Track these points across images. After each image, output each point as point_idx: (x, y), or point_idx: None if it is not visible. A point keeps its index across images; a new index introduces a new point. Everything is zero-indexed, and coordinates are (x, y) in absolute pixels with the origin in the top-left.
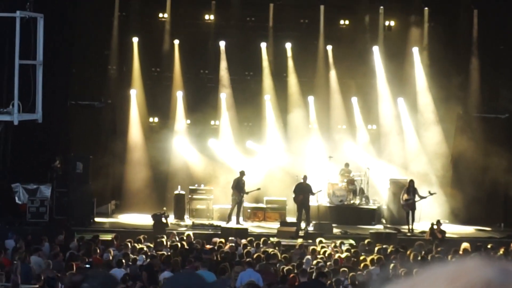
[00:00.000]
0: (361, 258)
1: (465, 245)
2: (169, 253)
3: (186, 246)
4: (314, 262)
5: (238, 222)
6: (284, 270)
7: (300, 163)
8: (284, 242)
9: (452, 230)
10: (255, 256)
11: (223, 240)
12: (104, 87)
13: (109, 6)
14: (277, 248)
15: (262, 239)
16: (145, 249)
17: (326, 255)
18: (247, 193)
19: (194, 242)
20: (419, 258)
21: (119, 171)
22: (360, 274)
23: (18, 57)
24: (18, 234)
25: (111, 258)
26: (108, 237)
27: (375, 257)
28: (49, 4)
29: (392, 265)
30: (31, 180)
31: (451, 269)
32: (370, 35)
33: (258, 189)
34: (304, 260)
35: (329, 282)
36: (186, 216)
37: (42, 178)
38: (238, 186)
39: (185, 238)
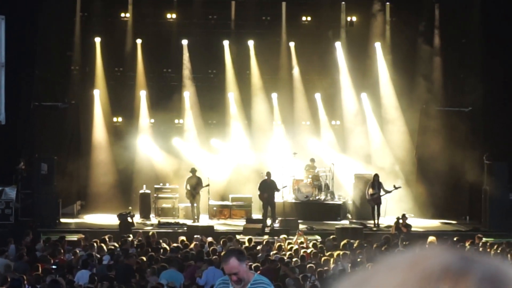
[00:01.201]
0: (328, 253)
1: (431, 238)
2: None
3: (152, 245)
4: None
5: (197, 220)
6: (252, 266)
7: (265, 160)
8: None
9: (418, 224)
10: (222, 254)
11: (185, 238)
12: (68, 88)
13: (71, 7)
14: (248, 244)
15: (227, 237)
16: (113, 248)
17: (293, 251)
18: (197, 192)
19: (160, 241)
20: (385, 252)
21: (84, 172)
22: (326, 270)
23: None
24: None
25: (75, 258)
26: (74, 237)
27: (341, 253)
28: (11, 5)
29: (358, 259)
30: None
31: (409, 256)
32: (332, 31)
33: (207, 185)
34: (272, 256)
35: (296, 277)
36: (152, 215)
37: (6, 180)
38: (194, 184)
39: (150, 236)
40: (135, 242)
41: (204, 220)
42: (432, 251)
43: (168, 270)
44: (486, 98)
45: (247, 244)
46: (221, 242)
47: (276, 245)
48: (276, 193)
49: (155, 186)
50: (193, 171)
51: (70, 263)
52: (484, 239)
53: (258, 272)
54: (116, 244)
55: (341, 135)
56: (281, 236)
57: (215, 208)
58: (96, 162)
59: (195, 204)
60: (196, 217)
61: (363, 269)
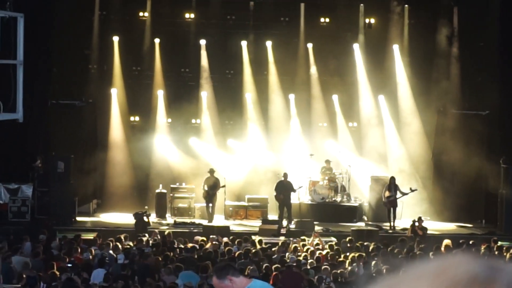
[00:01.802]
0: (343, 255)
1: (446, 241)
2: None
3: (168, 245)
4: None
5: (210, 221)
6: (269, 267)
7: (282, 161)
8: (266, 240)
9: (434, 227)
10: (236, 254)
11: (204, 238)
12: (85, 86)
13: (90, 5)
14: (259, 246)
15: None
16: (129, 247)
17: (309, 252)
18: (215, 193)
19: (174, 241)
20: (401, 255)
21: (101, 170)
22: (342, 272)
23: None
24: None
25: (91, 257)
26: (90, 236)
27: (357, 255)
28: (30, 3)
29: (374, 262)
30: (13, 180)
31: (436, 264)
32: (351, 32)
33: (223, 186)
34: (287, 258)
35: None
36: (167, 215)
37: (23, 177)
38: (212, 185)
39: (166, 236)
40: (151, 242)
41: (220, 221)
42: (459, 259)
43: (186, 271)
44: (503, 102)
45: (258, 246)
46: (236, 242)
47: (292, 246)
48: (292, 194)
49: (171, 185)
50: (212, 171)
51: (86, 261)
52: (499, 243)
53: (274, 274)
54: (131, 244)
55: (358, 137)
56: (300, 238)
57: (231, 209)
58: (113, 161)
59: (210, 204)
60: (210, 217)
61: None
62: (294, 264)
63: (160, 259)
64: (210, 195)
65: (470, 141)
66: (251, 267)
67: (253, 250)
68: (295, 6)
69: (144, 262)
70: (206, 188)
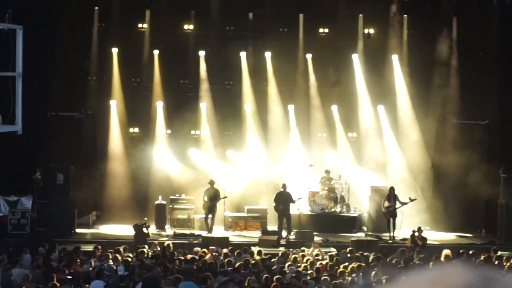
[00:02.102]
0: (343, 266)
1: (446, 251)
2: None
3: (167, 256)
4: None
5: (210, 231)
6: (268, 278)
7: (281, 171)
8: (266, 250)
9: (433, 237)
10: (236, 265)
11: (205, 250)
12: (84, 98)
13: (89, 17)
14: (258, 256)
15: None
16: (129, 260)
17: (308, 263)
18: (214, 204)
19: (175, 252)
20: (401, 265)
21: (100, 182)
22: (342, 282)
23: None
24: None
25: (91, 269)
26: (90, 248)
27: (356, 265)
28: (29, 15)
29: (373, 272)
30: (12, 192)
31: (433, 273)
32: (350, 42)
33: (225, 197)
34: (287, 268)
35: None
36: (167, 226)
37: (23, 189)
38: (212, 196)
39: (165, 247)
40: (150, 253)
41: (220, 232)
42: (455, 268)
43: (187, 282)
44: (503, 111)
45: (257, 257)
46: (236, 253)
47: (292, 257)
48: (291, 205)
49: (171, 197)
50: (212, 182)
51: (86, 273)
52: (499, 253)
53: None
54: (131, 255)
55: (357, 147)
56: (300, 249)
57: (230, 220)
58: (112, 173)
59: (210, 215)
60: (209, 228)
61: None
62: (294, 274)
63: (159, 270)
64: (210, 206)
65: (470, 151)
66: (252, 278)
67: (252, 261)
68: (294, 17)
69: (150, 274)
70: (206, 199)
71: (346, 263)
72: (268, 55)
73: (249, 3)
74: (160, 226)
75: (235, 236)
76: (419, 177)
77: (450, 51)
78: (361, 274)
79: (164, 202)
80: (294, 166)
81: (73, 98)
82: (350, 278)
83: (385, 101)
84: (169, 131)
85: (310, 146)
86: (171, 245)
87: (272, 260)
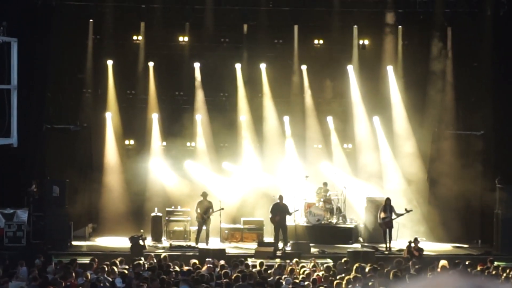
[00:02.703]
0: (339, 277)
1: (443, 262)
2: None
3: (164, 268)
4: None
5: (206, 242)
6: None
7: (277, 183)
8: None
9: (430, 247)
10: (233, 277)
11: (196, 262)
12: (80, 111)
13: (83, 30)
14: (259, 268)
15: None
16: (125, 273)
17: (305, 274)
18: (212, 214)
19: (170, 264)
20: (397, 276)
21: (96, 194)
22: None
23: None
24: None
25: (86, 280)
26: (86, 260)
27: (353, 276)
28: (23, 28)
29: (370, 283)
30: (8, 205)
31: (425, 283)
32: (345, 54)
33: (222, 209)
34: (283, 280)
35: None
36: (163, 238)
37: (18, 202)
38: (204, 208)
39: (162, 260)
40: (147, 265)
41: (216, 243)
42: (446, 278)
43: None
44: (498, 122)
45: (258, 268)
46: (232, 265)
47: (288, 268)
48: (287, 216)
49: (167, 209)
50: (204, 195)
51: (81, 286)
52: (496, 263)
53: None
54: (127, 267)
55: (353, 158)
56: (294, 261)
57: (226, 231)
58: (108, 185)
59: (204, 227)
60: (196, 239)
61: None
62: (290, 286)
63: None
64: (203, 219)
65: (465, 162)
66: None
67: (248, 273)
68: (288, 28)
69: (149, 286)
70: (199, 211)
71: (343, 275)
72: (263, 66)
73: (243, 15)
74: (156, 238)
75: (231, 248)
76: (415, 187)
77: (444, 61)
78: (357, 285)
79: (160, 214)
80: (290, 177)
81: (68, 110)
82: None
83: (381, 112)
84: (164, 143)
85: (306, 157)
86: (167, 257)
87: (269, 271)
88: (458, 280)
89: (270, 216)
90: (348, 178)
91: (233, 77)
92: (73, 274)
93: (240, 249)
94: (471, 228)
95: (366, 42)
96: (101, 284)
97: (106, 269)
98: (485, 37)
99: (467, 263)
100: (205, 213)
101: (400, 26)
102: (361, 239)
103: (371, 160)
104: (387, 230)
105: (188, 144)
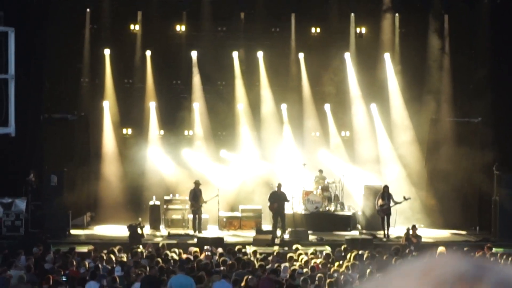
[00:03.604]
0: (337, 264)
1: (441, 249)
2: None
3: (162, 256)
4: (291, 268)
5: (198, 231)
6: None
7: (275, 171)
8: (261, 250)
9: (428, 234)
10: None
11: (198, 249)
12: (77, 100)
13: (81, 19)
14: (252, 256)
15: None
16: (124, 261)
17: (303, 262)
18: (205, 202)
19: (168, 252)
20: (395, 263)
21: (94, 183)
22: (336, 280)
23: None
24: None
25: (86, 269)
26: (84, 249)
27: (351, 263)
28: (20, 17)
29: (368, 270)
30: (6, 194)
31: (422, 264)
32: (342, 42)
33: (216, 195)
34: (282, 267)
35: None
36: (161, 226)
37: (17, 191)
38: (195, 197)
39: (160, 248)
40: (145, 254)
41: (214, 231)
42: (445, 258)
43: (177, 275)
44: (495, 109)
45: (252, 257)
46: (229, 252)
47: (288, 256)
48: (285, 204)
49: (165, 197)
50: (197, 183)
51: (81, 274)
52: (494, 249)
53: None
54: (125, 255)
55: (350, 146)
56: (293, 247)
57: (225, 219)
58: (106, 174)
59: (196, 216)
60: (193, 228)
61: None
62: (289, 273)
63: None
64: (196, 207)
65: (463, 148)
66: (249, 277)
67: (246, 260)
68: (286, 17)
69: (148, 274)
70: (191, 200)
71: (341, 262)
72: (260, 55)
73: (240, 4)
74: (155, 226)
75: (229, 236)
76: (412, 175)
77: (442, 49)
78: (355, 272)
79: (158, 203)
80: (287, 165)
81: (66, 100)
82: (343, 276)
83: (378, 99)
84: (162, 132)
85: (303, 145)
86: (165, 245)
87: (268, 258)
88: (457, 260)
89: (268, 204)
90: (346, 166)
91: (230, 66)
92: (73, 263)
93: (239, 237)
94: (469, 214)
95: (363, 30)
96: (101, 273)
97: (105, 257)
98: (482, 24)
99: (465, 249)
100: (196, 201)
101: (397, 14)
102: (359, 227)
103: (368, 148)
104: (385, 217)
105: (185, 132)
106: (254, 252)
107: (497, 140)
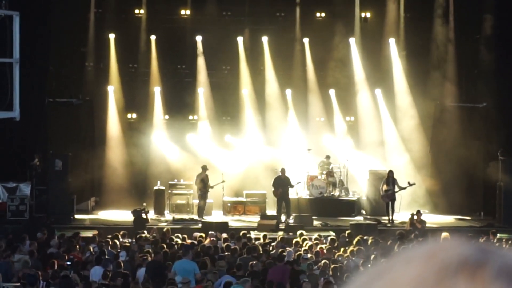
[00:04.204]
0: (342, 249)
1: (444, 234)
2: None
3: (167, 241)
4: (297, 253)
5: (201, 217)
6: (265, 263)
7: (279, 156)
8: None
9: (432, 220)
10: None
11: (203, 234)
12: (82, 84)
13: (85, 3)
14: (262, 241)
15: (241, 233)
16: (128, 245)
17: (308, 247)
18: (212, 187)
19: (173, 237)
20: (398, 248)
21: (98, 168)
22: (341, 266)
23: None
24: None
25: (91, 253)
26: (89, 234)
27: (356, 248)
28: (25, 1)
29: (372, 256)
30: (11, 179)
31: (426, 248)
32: (347, 27)
33: (223, 181)
34: (286, 252)
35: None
36: (166, 211)
37: (21, 176)
38: (203, 182)
39: (165, 233)
40: (150, 239)
41: (219, 216)
42: (449, 243)
43: (181, 260)
44: (500, 94)
45: (261, 241)
46: (235, 238)
47: (294, 241)
48: (290, 189)
49: (170, 182)
50: (204, 168)
51: (85, 259)
52: (498, 235)
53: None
54: (128, 241)
55: (355, 131)
56: (298, 232)
57: (229, 204)
58: (110, 158)
59: (202, 201)
60: (199, 212)
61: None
62: (293, 258)
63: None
64: (203, 192)
65: (468, 134)
66: (254, 262)
67: (251, 246)
68: (290, 1)
69: (154, 259)
70: (197, 184)
71: (346, 247)
72: (265, 39)
73: None
74: (159, 211)
75: (234, 221)
76: (417, 160)
77: (447, 34)
78: (359, 257)
79: (163, 188)
80: (292, 150)
81: (70, 84)
82: (347, 262)
83: (383, 84)
84: (167, 117)
85: (308, 130)
86: (170, 230)
87: (272, 244)
88: (460, 244)
89: (273, 189)
90: (351, 151)
91: (235, 51)
92: (77, 247)
93: (243, 222)
94: (473, 200)
95: (368, 14)
96: (106, 257)
97: (110, 242)
98: (487, 8)
99: (469, 235)
100: (204, 186)
101: None
102: (363, 212)
103: (373, 133)
104: (390, 202)
105: (190, 117)
106: (264, 236)
107: (502, 125)
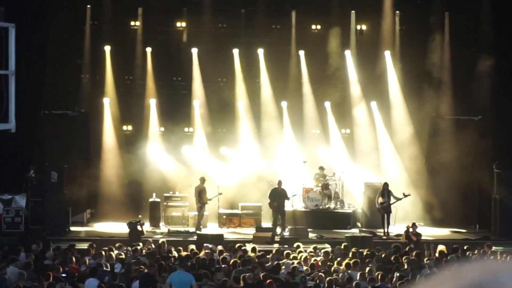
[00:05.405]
0: (337, 262)
1: (441, 247)
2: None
3: (162, 254)
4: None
5: (198, 229)
6: (261, 275)
7: (275, 168)
8: (260, 247)
9: (428, 232)
10: (231, 262)
11: (193, 247)
12: (77, 96)
13: (81, 15)
14: (253, 254)
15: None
16: (123, 257)
17: (302, 259)
18: (210, 199)
19: (171, 249)
20: (394, 261)
21: (94, 180)
22: (336, 278)
23: None
24: None
25: (87, 266)
26: (84, 246)
27: (352, 261)
28: (21, 13)
29: (368, 268)
30: (6, 190)
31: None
32: (342, 39)
33: (220, 193)
34: (283, 265)
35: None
36: (161, 224)
37: (16, 188)
38: (201, 193)
39: (160, 245)
40: (145, 251)
41: (214, 229)
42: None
43: (176, 272)
44: (495, 107)
45: (252, 254)
46: (230, 250)
47: (285, 253)
48: (285, 201)
49: (165, 194)
50: (202, 180)
51: (82, 272)
52: (493, 248)
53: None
54: (123, 253)
55: (350, 143)
56: (295, 244)
57: (224, 217)
58: (106, 171)
59: (198, 213)
60: (197, 225)
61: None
62: (288, 271)
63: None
64: (201, 204)
65: (463, 147)
66: (248, 275)
67: (247, 258)
68: (286, 13)
69: (147, 272)
70: (195, 197)
71: (341, 259)
72: (260, 52)
73: (241, 0)
74: (155, 223)
75: (229, 233)
76: (412, 172)
77: (442, 46)
78: (355, 270)
79: (158, 200)
80: (287, 162)
81: (66, 96)
82: (342, 274)
83: (378, 97)
84: (162, 129)
85: (304, 143)
86: (165, 242)
87: (267, 256)
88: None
89: (269, 201)
90: (346, 163)
91: (231, 63)
92: (73, 259)
93: (238, 234)
94: (469, 213)
95: (364, 27)
96: (103, 268)
97: (104, 254)
98: (483, 22)
99: (465, 248)
100: (201, 197)
101: (397, 11)
102: (359, 224)
103: (368, 145)
104: (385, 215)
105: (186, 129)
106: (253, 249)
107: (497, 138)
